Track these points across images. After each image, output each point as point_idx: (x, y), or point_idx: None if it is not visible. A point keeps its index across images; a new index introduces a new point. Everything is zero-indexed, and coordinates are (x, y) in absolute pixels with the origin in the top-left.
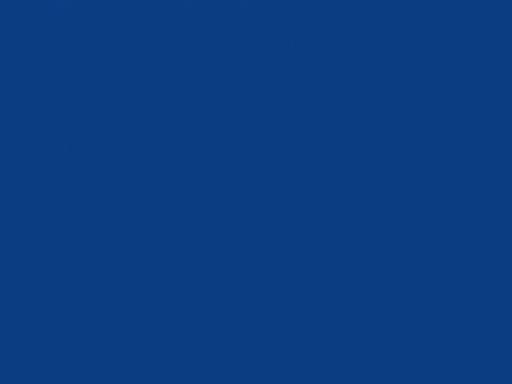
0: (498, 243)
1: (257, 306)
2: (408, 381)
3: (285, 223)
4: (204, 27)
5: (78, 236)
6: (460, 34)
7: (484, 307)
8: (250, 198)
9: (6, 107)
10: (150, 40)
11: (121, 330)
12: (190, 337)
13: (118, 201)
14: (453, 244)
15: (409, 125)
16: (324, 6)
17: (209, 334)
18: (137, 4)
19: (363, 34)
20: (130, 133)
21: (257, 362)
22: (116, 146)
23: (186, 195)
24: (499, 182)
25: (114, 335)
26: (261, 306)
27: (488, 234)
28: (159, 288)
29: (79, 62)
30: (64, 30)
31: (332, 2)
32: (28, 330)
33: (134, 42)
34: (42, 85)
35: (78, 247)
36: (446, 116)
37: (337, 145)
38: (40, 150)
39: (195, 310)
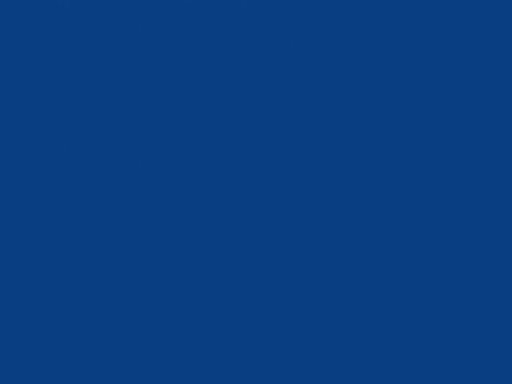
0: (498, 243)
1: (257, 306)
2: (408, 381)
3: (285, 223)
4: (204, 27)
5: (77, 235)
6: (460, 34)
7: (484, 307)
8: (250, 198)
9: (6, 107)
10: (150, 40)
11: (121, 330)
12: (190, 337)
13: (117, 200)
14: (453, 244)
15: (409, 125)
16: (324, 6)
17: (209, 334)
18: (137, 4)
19: (363, 34)
20: (130, 132)
21: (257, 362)
22: (116, 146)
23: (186, 195)
24: (499, 182)
25: (113, 335)
26: (261, 306)
27: (488, 234)
28: (159, 288)
29: (79, 62)
30: (64, 30)
31: (332, 2)
32: (28, 329)
33: (134, 42)
34: (41, 84)
35: (77, 247)
36: (446, 116)
37: (337, 145)
38: (40, 150)
39: (195, 310)
